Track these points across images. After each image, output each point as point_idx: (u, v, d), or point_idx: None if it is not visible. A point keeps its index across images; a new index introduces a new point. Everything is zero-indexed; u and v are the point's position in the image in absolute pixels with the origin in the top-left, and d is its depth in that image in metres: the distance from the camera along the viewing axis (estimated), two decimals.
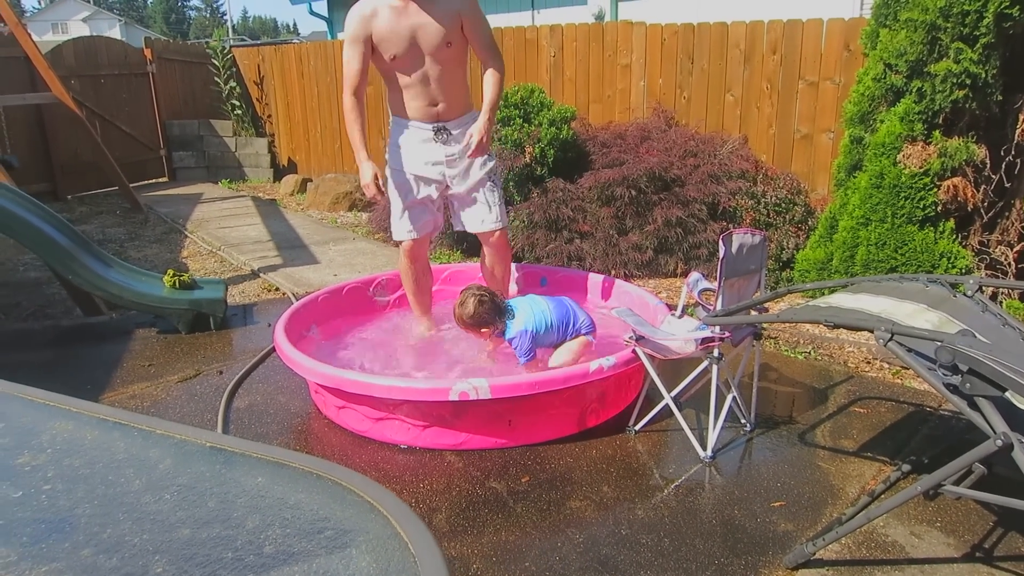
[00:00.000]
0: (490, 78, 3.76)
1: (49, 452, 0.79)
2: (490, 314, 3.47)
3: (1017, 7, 3.79)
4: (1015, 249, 4.29)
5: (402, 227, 3.89)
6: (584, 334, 3.54)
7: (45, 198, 8.20)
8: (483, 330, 3.52)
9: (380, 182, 3.63)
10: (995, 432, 1.83)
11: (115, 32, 53.78)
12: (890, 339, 2.02)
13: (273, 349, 3.84)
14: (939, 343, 1.91)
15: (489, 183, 3.85)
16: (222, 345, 4.34)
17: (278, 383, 3.75)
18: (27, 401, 0.91)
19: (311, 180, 9.25)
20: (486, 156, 3.82)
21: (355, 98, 3.75)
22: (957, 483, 2.13)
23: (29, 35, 7.73)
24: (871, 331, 2.09)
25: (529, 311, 3.49)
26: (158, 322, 4.59)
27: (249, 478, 0.74)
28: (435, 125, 3.75)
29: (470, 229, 3.95)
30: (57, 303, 5.10)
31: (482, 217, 3.88)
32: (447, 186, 3.85)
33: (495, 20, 9.98)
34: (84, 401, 0.91)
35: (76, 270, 4.33)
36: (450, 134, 3.76)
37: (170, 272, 4.67)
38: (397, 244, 4.00)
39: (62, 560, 0.61)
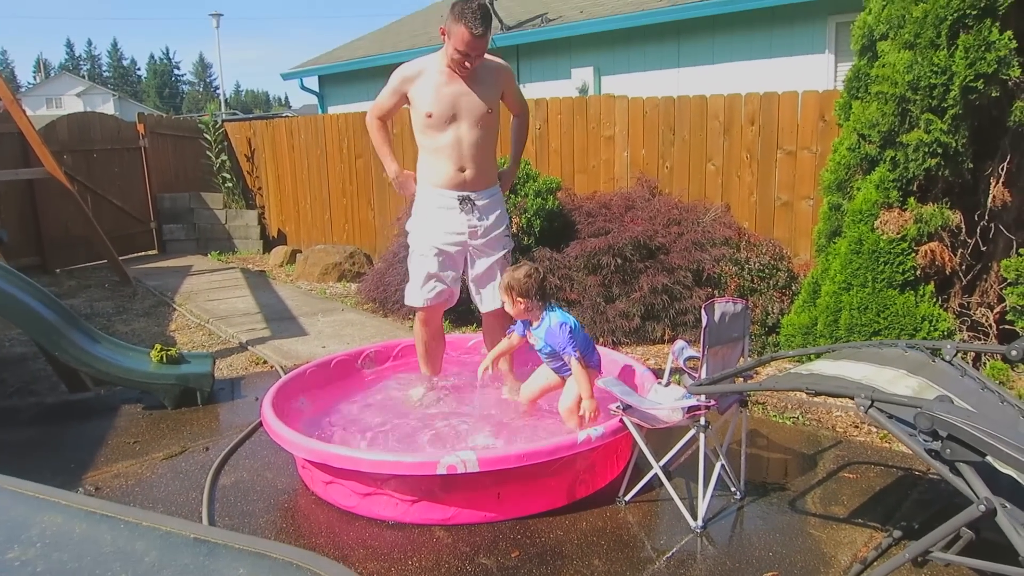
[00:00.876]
0: (520, 128, 4.23)
1: (38, 546, 0.80)
2: (535, 290, 3.45)
3: (981, 80, 3.95)
4: (995, 311, 4.37)
5: (418, 294, 3.99)
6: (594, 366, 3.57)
7: (33, 272, 8.23)
8: (519, 300, 3.48)
9: (404, 177, 4.03)
10: (978, 497, 1.85)
11: (109, 106, 54.73)
12: (870, 406, 2.05)
13: (260, 424, 3.82)
14: (918, 409, 1.94)
15: (506, 261, 3.98)
16: (208, 420, 4.31)
17: (265, 459, 3.72)
18: (16, 494, 0.92)
19: (300, 251, 9.33)
20: (506, 236, 3.98)
21: (380, 120, 4.05)
22: (945, 549, 2.13)
23: (23, 111, 7.88)
24: (851, 398, 2.12)
25: (567, 315, 3.52)
26: (144, 398, 4.56)
27: (231, 569, 0.76)
28: (460, 194, 3.85)
29: (484, 309, 4.06)
30: (43, 379, 5.07)
31: (497, 295, 3.92)
32: (468, 259, 3.97)
33: None
34: (72, 494, 0.92)
35: (63, 346, 4.32)
36: (474, 205, 3.86)
37: (157, 347, 4.67)
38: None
39: None
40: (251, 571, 0.74)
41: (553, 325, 3.47)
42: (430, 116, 3.76)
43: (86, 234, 8.49)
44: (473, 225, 3.86)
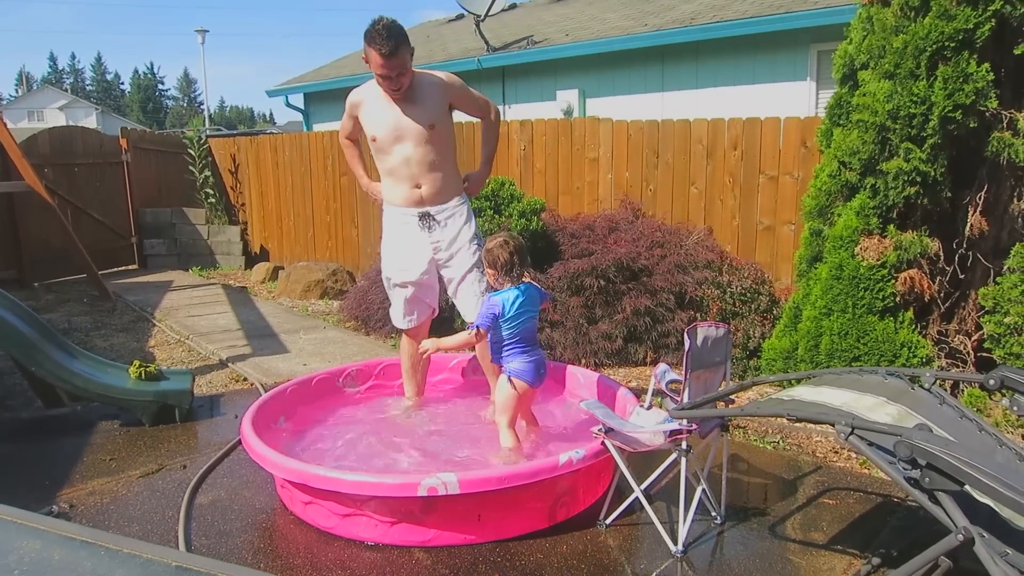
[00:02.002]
0: (487, 130, 4.14)
1: (16, 574, 0.78)
2: (501, 262, 3.45)
3: (959, 111, 4.02)
4: (973, 339, 4.42)
5: (399, 317, 4.11)
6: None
7: (10, 286, 8.13)
8: (488, 270, 3.55)
9: (375, 188, 4.25)
10: (956, 526, 1.86)
11: (91, 120, 54.41)
12: (851, 433, 2.06)
13: (239, 442, 3.78)
14: (898, 437, 1.96)
15: (477, 271, 3.92)
16: (187, 438, 4.26)
17: (244, 477, 3.68)
18: None
19: (283, 268, 9.29)
20: (474, 252, 3.92)
21: (347, 139, 4.23)
22: None
23: (4, 123, 7.82)
24: (832, 425, 2.13)
25: (513, 301, 3.46)
26: (122, 414, 4.50)
27: None
28: (419, 211, 3.88)
29: (466, 319, 4.06)
30: (18, 394, 4.99)
31: (470, 309, 3.94)
32: (439, 269, 4.01)
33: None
34: (50, 519, 0.91)
35: (39, 361, 4.26)
36: (434, 219, 3.86)
37: (136, 363, 4.62)
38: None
39: None
40: None
41: (490, 298, 3.51)
42: (375, 140, 3.87)
43: (66, 248, 8.40)
44: (435, 240, 3.91)
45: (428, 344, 3.61)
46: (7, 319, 4.30)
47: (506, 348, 3.52)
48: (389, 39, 3.52)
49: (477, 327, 3.44)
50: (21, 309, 4.50)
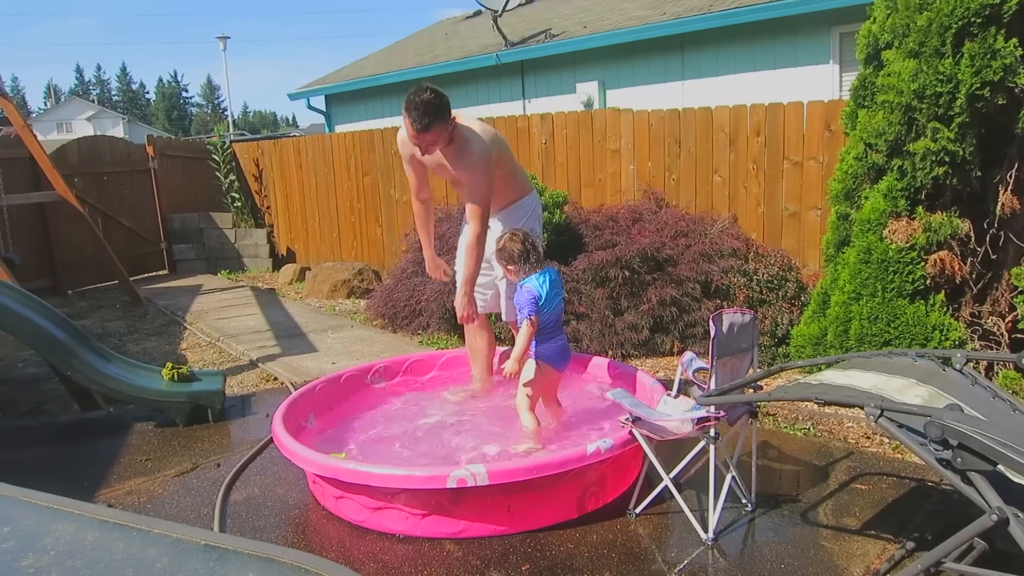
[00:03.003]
0: (461, 251, 4.05)
1: (52, 554, 0.81)
2: (515, 255, 3.57)
3: (987, 88, 3.95)
4: (1007, 319, 4.34)
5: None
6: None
7: (46, 294, 8.30)
8: (508, 267, 3.65)
9: (434, 264, 4.40)
10: (990, 507, 1.84)
11: (119, 130, 55.30)
12: (880, 415, 2.04)
13: (271, 440, 3.84)
14: (928, 418, 1.94)
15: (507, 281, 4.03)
16: (220, 437, 4.32)
17: (276, 474, 3.73)
18: (30, 504, 0.93)
19: (309, 268, 9.38)
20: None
21: (418, 201, 4.29)
22: (959, 560, 2.11)
23: (35, 136, 7.98)
24: (861, 407, 2.11)
25: (542, 283, 3.56)
26: (156, 415, 4.58)
27: (240, 574, 0.76)
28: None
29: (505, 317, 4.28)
30: (55, 399, 5.10)
31: (503, 307, 4.17)
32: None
33: (488, 110, 10.35)
34: (85, 503, 0.93)
35: (75, 365, 4.35)
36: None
37: (168, 365, 4.70)
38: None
39: None
40: (260, 575, 0.75)
41: (522, 287, 3.57)
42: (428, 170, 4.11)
43: (97, 255, 8.56)
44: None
45: (508, 366, 3.65)
46: (43, 325, 4.40)
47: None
48: (422, 116, 3.55)
49: (528, 316, 3.52)
50: (56, 315, 4.60)
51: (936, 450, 1.95)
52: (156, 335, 6.96)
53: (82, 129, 54.58)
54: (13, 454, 4.22)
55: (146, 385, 4.51)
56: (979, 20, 3.94)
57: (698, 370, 3.23)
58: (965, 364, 2.56)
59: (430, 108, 3.54)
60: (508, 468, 2.96)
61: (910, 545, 2.64)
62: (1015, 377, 4.11)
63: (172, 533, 0.82)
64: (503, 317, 4.29)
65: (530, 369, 3.62)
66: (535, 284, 3.54)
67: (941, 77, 4.06)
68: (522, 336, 3.59)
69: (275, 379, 5.39)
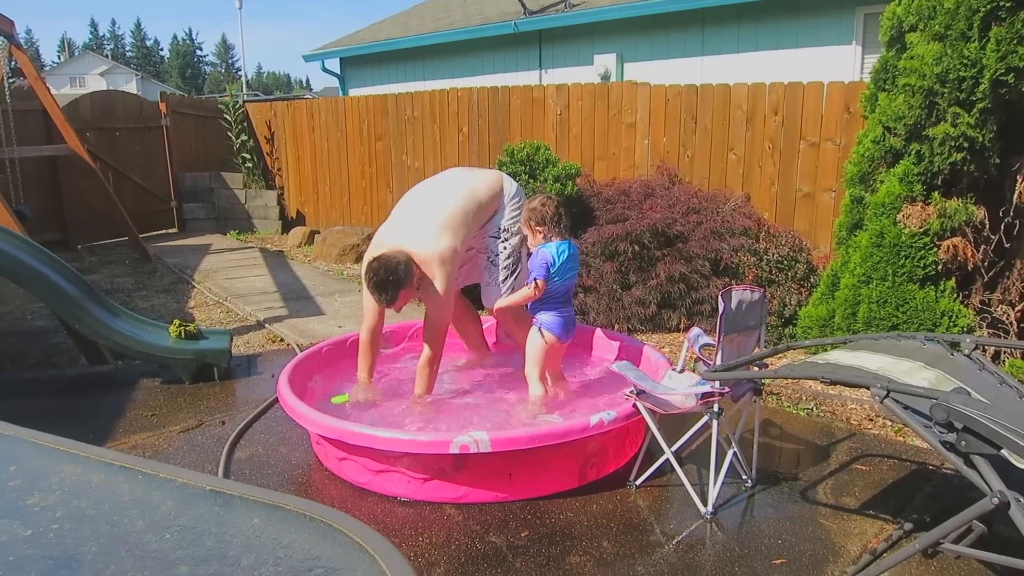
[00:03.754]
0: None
1: (58, 493, 0.82)
2: (548, 218, 3.57)
3: (1012, 74, 3.88)
4: (1017, 308, 4.31)
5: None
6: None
7: (56, 248, 8.31)
8: (536, 229, 3.62)
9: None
10: (991, 490, 1.84)
11: (131, 86, 55.10)
12: (886, 396, 2.03)
13: (276, 400, 3.86)
14: (934, 401, 1.93)
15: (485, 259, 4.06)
16: (225, 395, 4.36)
17: (280, 434, 3.76)
18: (37, 445, 0.94)
19: (319, 232, 9.38)
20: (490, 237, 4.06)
21: (370, 332, 3.92)
22: (956, 541, 2.11)
23: (48, 89, 7.96)
24: (867, 388, 2.11)
25: (560, 252, 3.58)
26: (162, 372, 4.62)
27: (245, 519, 0.77)
28: None
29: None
30: (63, 352, 5.14)
31: (483, 293, 4.18)
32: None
33: (504, 79, 10.25)
34: (91, 446, 0.94)
35: (83, 319, 4.38)
36: None
37: (176, 322, 4.72)
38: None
39: None
40: (265, 521, 0.76)
41: (539, 251, 3.59)
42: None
43: (108, 211, 8.57)
44: None
45: (500, 302, 3.84)
46: (52, 278, 4.42)
47: (540, 300, 3.61)
48: (388, 290, 3.51)
49: (535, 278, 3.54)
50: (66, 269, 4.62)
51: (941, 432, 1.95)
52: (164, 292, 6.99)
53: (95, 84, 54.45)
54: (20, 405, 4.26)
55: (153, 341, 4.54)
56: (1008, 4, 3.86)
57: (704, 346, 3.23)
58: (974, 350, 2.55)
59: (390, 283, 3.50)
60: (511, 436, 2.98)
61: (908, 526, 2.65)
62: (1022, 365, 4.09)
63: (178, 478, 0.83)
64: (484, 303, 4.21)
65: (535, 339, 3.64)
66: (552, 251, 3.55)
67: (965, 61, 4.00)
68: (521, 292, 3.65)
69: (281, 340, 5.42)
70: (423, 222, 3.70)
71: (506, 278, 4.00)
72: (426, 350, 3.73)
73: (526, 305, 3.71)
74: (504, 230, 4.01)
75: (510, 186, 4.08)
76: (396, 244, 3.63)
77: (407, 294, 3.59)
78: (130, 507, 0.78)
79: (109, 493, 0.81)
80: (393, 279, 3.50)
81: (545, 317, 3.63)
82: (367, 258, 3.68)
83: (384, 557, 0.67)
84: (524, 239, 3.90)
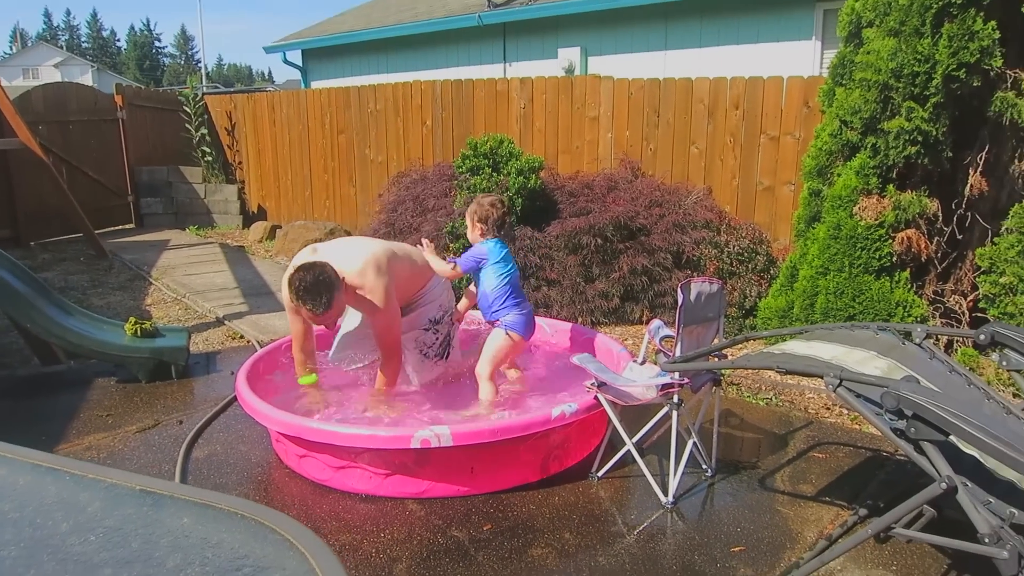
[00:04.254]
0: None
1: None
2: (492, 220, 3.62)
3: (963, 70, 3.96)
4: (969, 299, 4.41)
5: None
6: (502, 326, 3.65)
7: (7, 244, 8.11)
8: (476, 223, 3.65)
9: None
10: (940, 475, 1.87)
11: (87, 78, 53.82)
12: (839, 385, 2.06)
13: (235, 398, 3.80)
14: (885, 389, 1.96)
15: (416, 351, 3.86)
16: (183, 394, 4.28)
17: (239, 432, 3.71)
18: None
19: (280, 227, 9.26)
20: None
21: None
22: (908, 526, 2.16)
23: None
24: (821, 377, 2.13)
25: (497, 247, 3.63)
26: (118, 371, 4.52)
27: (175, 519, 0.75)
28: None
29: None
30: (13, 352, 5.00)
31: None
32: None
33: (468, 72, 10.20)
34: (19, 447, 0.91)
35: (34, 318, 4.27)
36: None
37: (132, 320, 4.62)
38: None
39: None
40: (195, 520, 0.74)
41: (477, 249, 3.64)
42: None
43: (61, 207, 8.35)
44: None
45: (433, 261, 3.74)
46: (2, 276, 4.29)
47: (498, 301, 3.60)
48: (319, 296, 3.21)
49: (455, 263, 3.63)
50: (15, 266, 4.49)
51: (891, 420, 1.98)
52: (121, 290, 6.84)
53: (49, 76, 53.09)
54: None
55: (108, 340, 4.44)
56: (959, 1, 3.94)
57: (665, 338, 3.25)
58: (925, 339, 2.60)
59: (321, 286, 3.20)
60: (472, 430, 2.97)
61: (863, 511, 2.70)
62: (973, 354, 4.19)
63: (106, 478, 0.80)
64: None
65: (499, 339, 3.64)
66: (487, 247, 3.63)
67: (919, 57, 4.07)
68: (441, 265, 3.68)
69: (241, 337, 5.34)
70: (347, 248, 3.50)
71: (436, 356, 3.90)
72: (383, 357, 3.62)
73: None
74: (435, 321, 3.83)
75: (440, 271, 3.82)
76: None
77: (340, 301, 3.30)
78: (55, 509, 0.76)
79: (34, 495, 0.79)
80: (324, 280, 3.20)
81: (509, 318, 3.62)
82: (283, 281, 3.36)
83: (314, 554, 0.66)
84: (452, 323, 3.94)
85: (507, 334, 3.61)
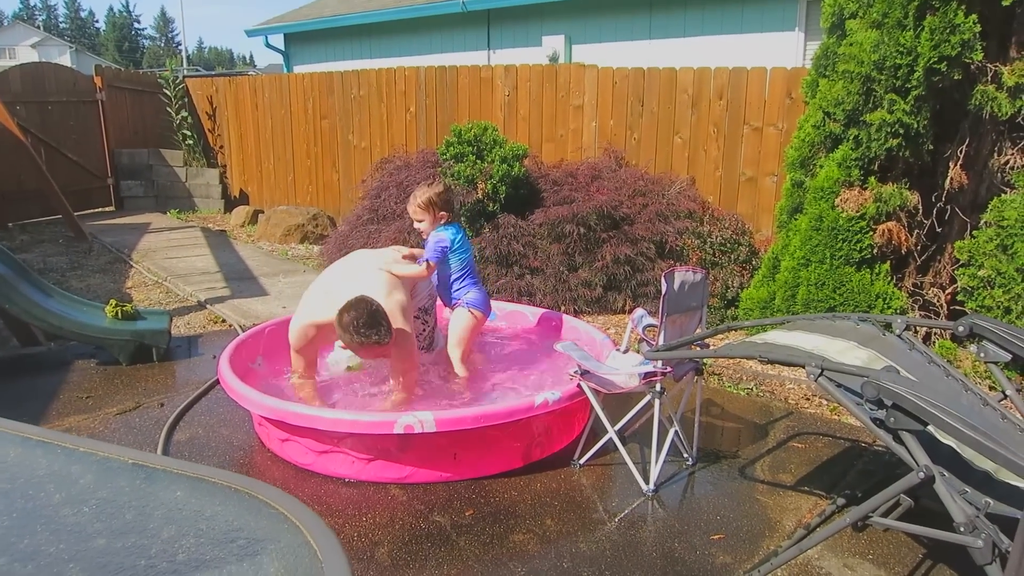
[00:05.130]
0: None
1: None
2: (451, 205, 3.71)
3: (944, 63, 4.00)
4: (947, 291, 4.47)
5: None
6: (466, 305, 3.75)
7: None
8: (439, 212, 3.68)
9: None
10: (918, 465, 1.90)
11: (66, 59, 52.91)
12: (820, 374, 2.09)
13: (217, 381, 3.78)
14: (865, 378, 1.99)
15: None
16: (164, 377, 4.25)
17: (221, 416, 3.69)
18: None
19: (263, 212, 9.19)
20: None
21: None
22: (885, 515, 2.19)
23: None
24: (803, 367, 2.16)
25: (456, 234, 3.71)
26: (98, 353, 4.48)
27: (168, 492, 0.75)
28: None
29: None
30: None
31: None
32: None
33: (452, 58, 10.15)
34: (8, 420, 0.90)
35: (13, 299, 4.21)
36: None
37: (112, 302, 4.58)
38: None
39: None
40: (188, 494, 0.74)
41: (435, 235, 3.69)
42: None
43: (40, 188, 8.24)
44: None
45: (397, 269, 3.60)
46: None
47: (458, 282, 3.75)
48: (377, 331, 3.12)
49: (427, 260, 3.66)
50: None
51: (871, 409, 2.01)
52: (101, 272, 6.77)
53: (26, 56, 52.11)
54: None
55: (89, 322, 4.40)
56: None
57: (648, 327, 3.27)
58: (904, 330, 2.63)
59: (378, 316, 3.13)
60: (455, 416, 2.97)
61: (841, 501, 2.74)
62: (951, 346, 4.25)
63: (98, 451, 0.80)
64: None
65: (464, 318, 3.74)
66: (448, 234, 3.68)
67: (901, 49, 4.10)
68: (413, 269, 3.67)
69: (223, 321, 5.31)
70: (361, 286, 3.34)
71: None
72: (400, 386, 3.48)
73: (436, 298, 3.91)
74: (425, 311, 4.07)
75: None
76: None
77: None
78: (47, 481, 0.76)
79: (25, 467, 0.78)
80: (377, 310, 3.11)
81: (471, 295, 3.76)
82: (336, 326, 3.18)
83: (309, 527, 0.67)
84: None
85: (470, 312, 3.74)
